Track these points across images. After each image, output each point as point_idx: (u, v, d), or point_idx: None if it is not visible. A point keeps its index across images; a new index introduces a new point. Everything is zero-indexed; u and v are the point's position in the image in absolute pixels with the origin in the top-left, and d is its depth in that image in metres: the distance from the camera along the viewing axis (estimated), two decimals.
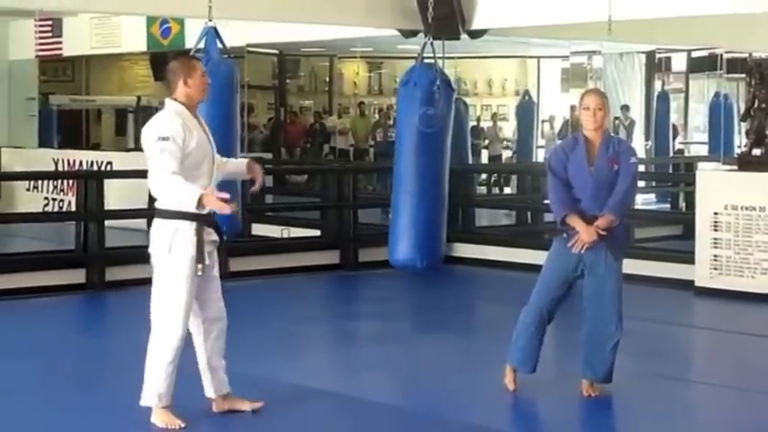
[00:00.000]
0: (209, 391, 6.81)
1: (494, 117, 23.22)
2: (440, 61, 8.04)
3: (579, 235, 7.06)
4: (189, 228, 6.41)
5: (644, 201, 18.92)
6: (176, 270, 6.44)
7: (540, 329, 7.34)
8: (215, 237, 6.55)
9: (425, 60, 7.74)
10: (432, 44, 7.73)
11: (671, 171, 19.77)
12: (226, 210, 6.27)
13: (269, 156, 20.07)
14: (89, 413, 7.04)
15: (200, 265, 6.43)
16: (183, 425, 6.52)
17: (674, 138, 21.73)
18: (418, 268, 7.77)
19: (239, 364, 8.26)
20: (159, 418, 6.57)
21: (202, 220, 6.42)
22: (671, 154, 20.79)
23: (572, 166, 7.19)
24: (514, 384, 7.36)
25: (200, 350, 6.73)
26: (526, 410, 7.36)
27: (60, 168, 17.70)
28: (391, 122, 22.05)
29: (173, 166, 6.27)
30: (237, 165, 6.91)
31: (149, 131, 6.44)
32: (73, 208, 14.36)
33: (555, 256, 7.32)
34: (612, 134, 7.39)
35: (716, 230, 11.39)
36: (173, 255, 6.43)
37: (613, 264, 7.19)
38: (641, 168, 19.51)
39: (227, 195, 6.31)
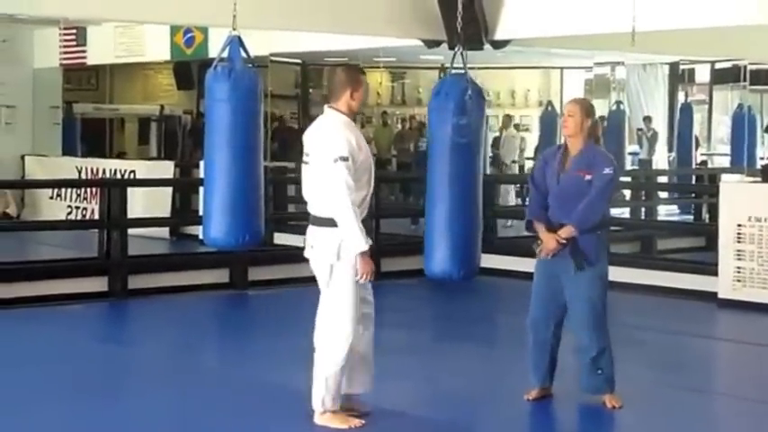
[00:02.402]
0: (357, 387, 6.85)
1: (517, 128, 23.17)
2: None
3: (543, 242, 7.19)
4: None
5: (667, 212, 18.87)
6: (345, 276, 6.59)
7: (540, 342, 7.35)
8: (370, 242, 6.65)
9: (455, 70, 7.73)
10: (462, 54, 7.71)
11: (694, 182, 19.69)
12: (367, 276, 6.54)
13: (292, 164, 20.11)
14: (111, 422, 7.05)
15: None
16: (362, 422, 6.69)
17: (696, 149, 21.64)
18: (455, 279, 7.74)
19: (262, 372, 8.31)
20: (335, 420, 6.66)
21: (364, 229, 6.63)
22: (694, 165, 20.68)
23: (548, 174, 7.31)
24: (531, 396, 7.38)
25: (354, 347, 6.72)
26: (547, 421, 7.33)
27: (84, 177, 17.76)
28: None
29: (350, 190, 6.43)
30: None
31: (329, 145, 6.53)
32: (96, 216, 14.42)
33: (537, 264, 7.41)
34: (597, 146, 7.35)
35: (739, 242, 11.35)
36: (342, 262, 6.57)
37: (580, 275, 7.15)
38: (663, 179, 19.81)
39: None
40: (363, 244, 6.46)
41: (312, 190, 6.65)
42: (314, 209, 6.65)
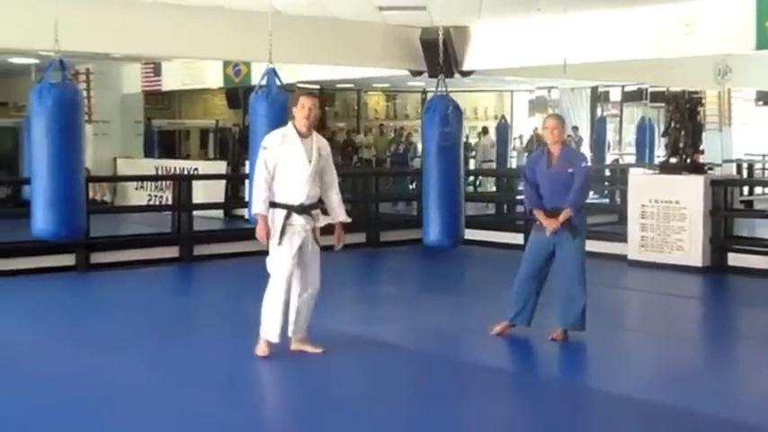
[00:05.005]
0: (289, 330, 6.74)
1: (479, 135, 23.13)
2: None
3: (547, 224, 7.11)
4: (280, 213, 6.48)
5: (590, 197, 18.81)
6: (274, 241, 6.50)
7: (533, 291, 7.30)
8: (304, 222, 6.52)
9: (438, 93, 7.83)
10: (444, 81, 7.81)
11: (610, 174, 19.63)
12: (262, 241, 6.46)
13: None
14: (191, 357, 7.01)
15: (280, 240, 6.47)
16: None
17: (609, 151, 21.69)
18: (446, 246, 8.00)
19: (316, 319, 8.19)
20: (260, 345, 6.63)
21: (292, 209, 6.47)
22: (606, 162, 20.62)
23: (538, 171, 7.24)
24: (501, 332, 7.36)
25: (294, 300, 6.69)
26: (506, 349, 7.28)
27: (160, 173, 17.68)
28: (403, 139, 22.11)
29: (264, 172, 6.42)
30: (334, 214, 6.83)
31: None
32: (169, 202, 14.35)
33: (532, 238, 7.36)
34: (570, 146, 7.46)
35: (643, 218, 11.34)
36: (272, 232, 6.51)
37: (573, 241, 7.15)
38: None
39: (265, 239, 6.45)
40: (255, 208, 6.40)
41: None
42: None
